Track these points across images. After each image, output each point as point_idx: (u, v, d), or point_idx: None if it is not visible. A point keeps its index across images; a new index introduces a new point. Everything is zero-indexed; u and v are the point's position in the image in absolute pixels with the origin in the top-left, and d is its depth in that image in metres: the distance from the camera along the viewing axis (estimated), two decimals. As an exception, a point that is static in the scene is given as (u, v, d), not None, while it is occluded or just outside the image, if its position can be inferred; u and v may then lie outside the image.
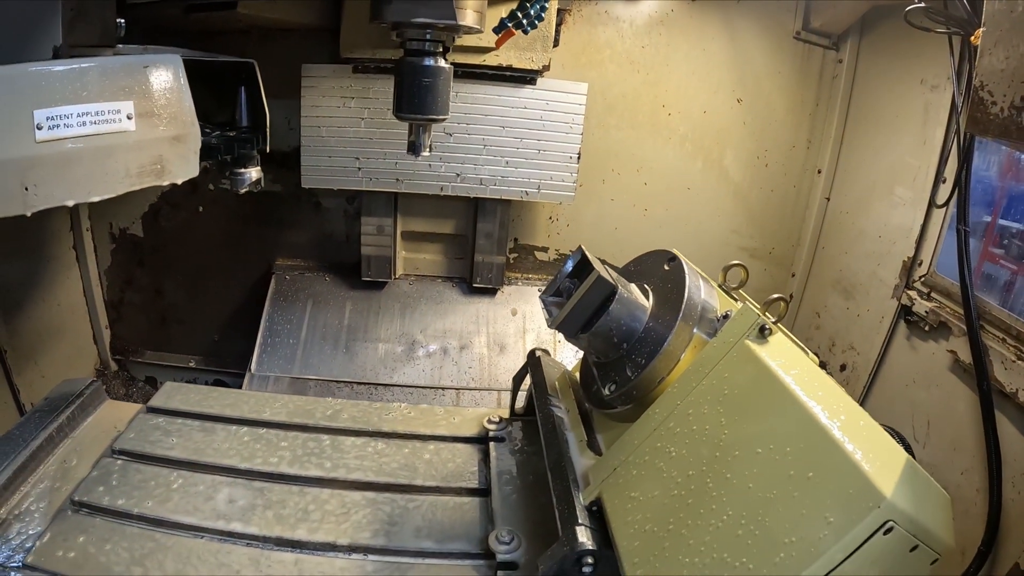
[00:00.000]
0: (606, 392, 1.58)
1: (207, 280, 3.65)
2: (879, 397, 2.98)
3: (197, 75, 2.26)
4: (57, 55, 1.85)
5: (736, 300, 1.78)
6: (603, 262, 1.68)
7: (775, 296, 1.50)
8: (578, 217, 3.57)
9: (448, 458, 1.96)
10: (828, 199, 3.47)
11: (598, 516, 1.44)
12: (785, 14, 3.29)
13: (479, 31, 2.02)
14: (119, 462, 1.82)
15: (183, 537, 1.62)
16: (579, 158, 3.10)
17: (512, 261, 3.62)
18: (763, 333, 1.35)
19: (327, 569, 1.58)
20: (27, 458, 1.75)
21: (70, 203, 1.52)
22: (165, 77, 1.71)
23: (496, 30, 2.07)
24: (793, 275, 3.66)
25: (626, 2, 3.24)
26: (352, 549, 1.63)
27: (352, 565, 1.60)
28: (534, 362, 2.08)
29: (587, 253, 1.63)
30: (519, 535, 1.60)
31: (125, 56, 1.66)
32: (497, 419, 2.08)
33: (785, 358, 1.31)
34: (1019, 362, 2.10)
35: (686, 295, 1.55)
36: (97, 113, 1.54)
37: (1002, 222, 2.92)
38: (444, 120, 2.13)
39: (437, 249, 3.54)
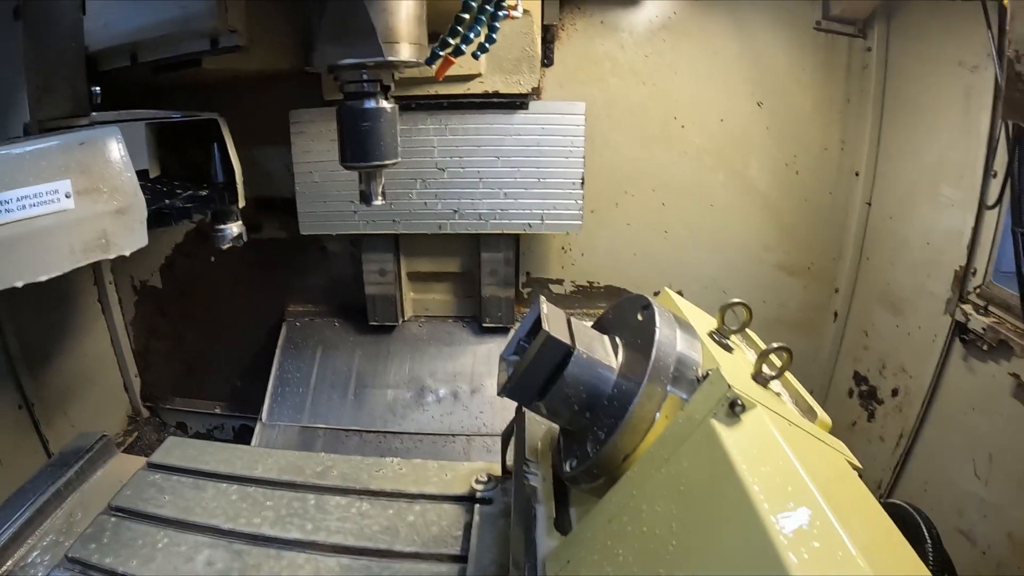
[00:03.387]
0: (566, 469, 1.40)
1: (225, 327, 3.67)
2: (935, 426, 2.68)
3: (180, 132, 2.27)
4: (27, 132, 1.87)
5: (731, 349, 1.56)
6: (568, 316, 1.50)
7: (775, 345, 1.29)
8: (593, 245, 3.36)
9: (433, 520, 1.85)
10: (869, 204, 3.15)
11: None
12: (802, 3, 3.01)
13: (418, 64, 1.88)
14: (113, 519, 1.83)
15: None
16: (583, 183, 2.91)
17: (526, 296, 3.46)
18: (734, 409, 1.10)
19: (292, 641, 1.48)
20: (35, 512, 1.82)
21: (19, 284, 1.51)
22: (103, 151, 1.67)
23: (429, 61, 1.91)
24: (837, 291, 3.34)
25: (623, 9, 3.02)
26: (321, 620, 1.52)
27: (317, 638, 1.49)
28: (519, 419, 1.91)
29: (543, 306, 1.45)
30: (489, 613, 1.43)
31: (60, 135, 1.65)
32: (486, 478, 1.94)
33: (759, 446, 1.06)
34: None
35: (654, 351, 1.34)
36: (36, 195, 1.53)
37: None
38: (395, 164, 1.98)
39: (445, 289, 3.41)
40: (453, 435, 2.97)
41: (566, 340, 1.38)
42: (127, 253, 1.74)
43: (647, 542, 1.11)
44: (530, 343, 1.44)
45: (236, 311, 3.62)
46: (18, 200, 1.48)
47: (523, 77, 2.71)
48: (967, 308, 2.46)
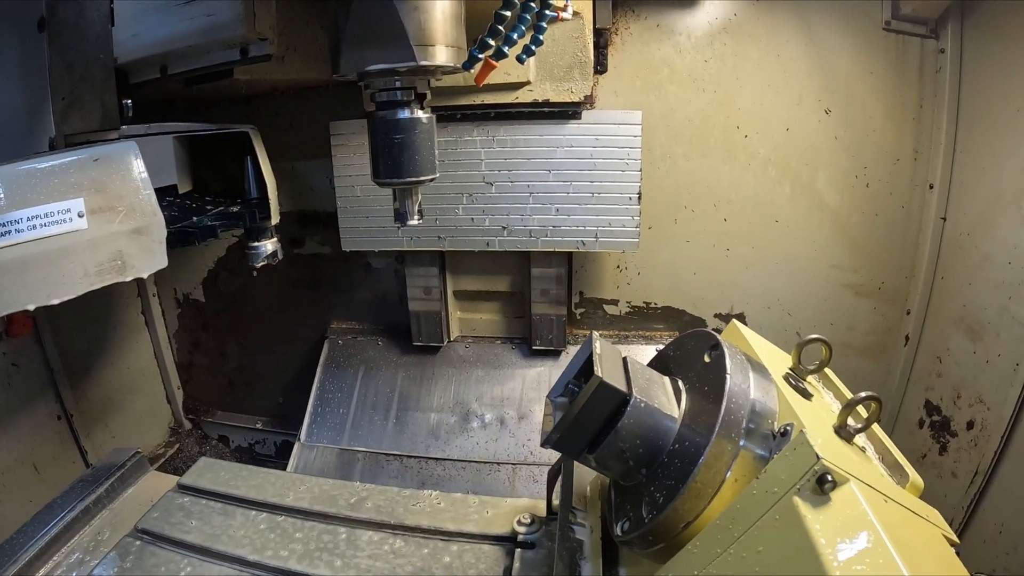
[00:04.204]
0: (617, 532, 1.25)
1: (268, 343, 3.62)
2: (1014, 464, 2.43)
3: (212, 144, 2.21)
4: (52, 146, 1.84)
5: (810, 396, 1.38)
6: (625, 356, 1.34)
7: (863, 395, 1.12)
8: (650, 263, 3.17)
9: (471, 562, 1.73)
10: (944, 219, 2.89)
11: None
12: (869, 3, 2.77)
13: (456, 69, 1.72)
14: (138, 543, 1.82)
15: None
16: (639, 198, 2.72)
17: (579, 317, 3.28)
18: (823, 486, 0.93)
19: None
20: (62, 529, 1.82)
21: (31, 307, 1.49)
22: (119, 168, 1.62)
23: (466, 66, 1.74)
24: (908, 312, 3.08)
25: (680, 10, 2.83)
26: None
27: None
28: (567, 461, 1.76)
29: (596, 343, 1.30)
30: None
31: (75, 151, 1.60)
32: (529, 519, 1.79)
33: (852, 532, 0.88)
34: None
35: (724, 402, 1.18)
36: (47, 215, 1.50)
37: None
38: (432, 180, 1.83)
39: (493, 308, 3.26)
40: (499, 463, 2.82)
41: (622, 387, 1.23)
42: (144, 275, 1.70)
43: (709, 632, 0.95)
44: (580, 387, 1.30)
45: (279, 326, 3.57)
46: (28, 220, 1.46)
47: (575, 84, 2.55)
48: (1053, 335, 2.22)
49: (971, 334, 2.70)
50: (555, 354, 3.11)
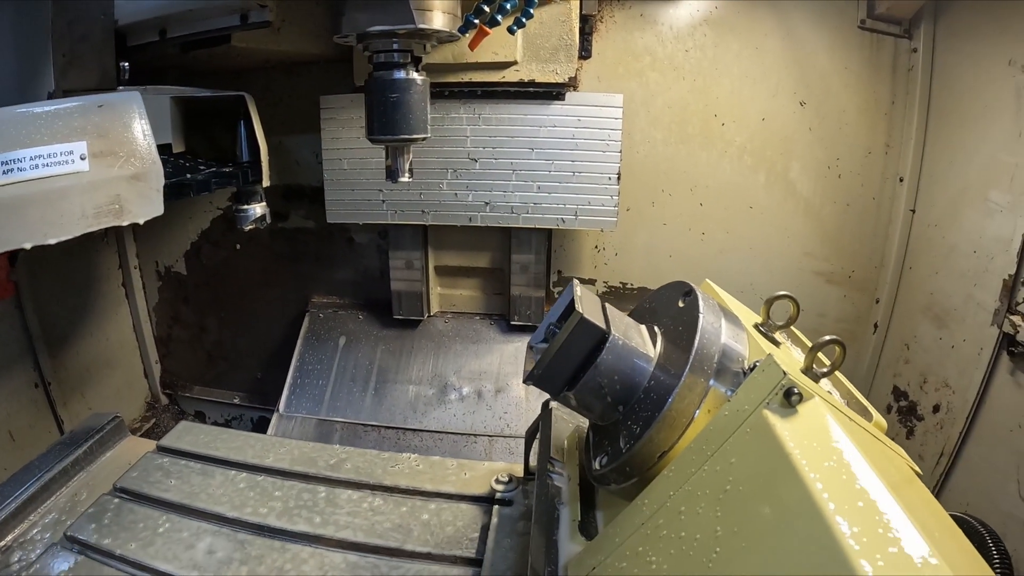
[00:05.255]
0: (596, 466, 1.30)
1: (248, 317, 3.63)
2: (978, 444, 2.54)
3: (205, 112, 2.23)
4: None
5: (778, 344, 1.45)
6: (603, 300, 1.40)
7: (827, 339, 1.17)
8: (627, 245, 3.25)
9: (448, 520, 1.77)
10: (913, 211, 3.01)
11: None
12: (846, 1, 2.89)
13: (452, 36, 1.79)
14: (116, 500, 1.82)
15: None
16: (619, 178, 2.79)
17: (556, 295, 3.32)
18: (790, 399, 0.98)
19: (288, 638, 1.42)
20: (39, 489, 1.82)
21: (27, 246, 1.49)
22: (122, 115, 1.65)
23: (462, 30, 1.81)
24: (877, 301, 3.19)
25: (663, 2, 2.92)
26: (321, 618, 1.45)
27: (315, 637, 1.42)
28: (545, 416, 1.82)
29: (576, 288, 1.35)
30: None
31: (84, 96, 1.61)
32: (507, 478, 1.85)
33: (819, 439, 0.93)
34: None
35: (697, 338, 1.24)
36: (50, 155, 1.52)
37: None
38: (423, 139, 1.90)
39: (473, 284, 3.31)
40: (475, 435, 2.86)
41: (601, 324, 1.28)
42: (141, 221, 1.71)
43: (686, 547, 1.00)
44: (561, 327, 1.36)
45: (260, 301, 3.59)
46: (31, 159, 1.47)
47: (560, 66, 2.62)
48: (1016, 320, 2.35)
49: (937, 321, 2.81)
50: (532, 329, 3.13)
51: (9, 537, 1.70)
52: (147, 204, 1.71)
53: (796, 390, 0.98)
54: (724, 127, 3.04)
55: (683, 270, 3.21)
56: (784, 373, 0.99)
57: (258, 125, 2.28)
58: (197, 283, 3.63)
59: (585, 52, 2.87)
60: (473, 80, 2.66)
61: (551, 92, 2.71)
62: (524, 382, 1.33)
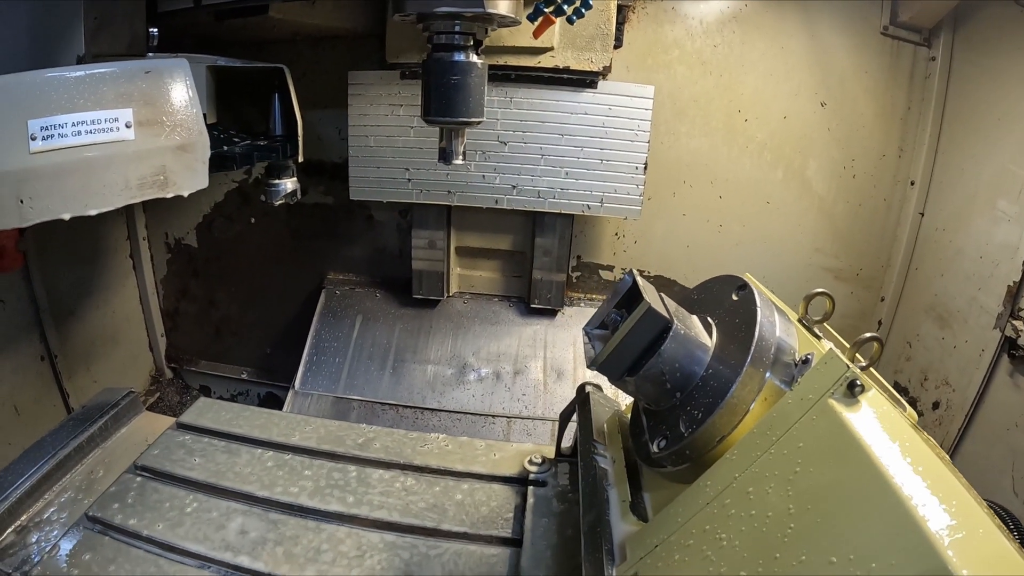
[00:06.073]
0: (654, 448, 1.34)
1: (260, 292, 3.62)
2: (975, 441, 2.64)
3: (234, 83, 2.19)
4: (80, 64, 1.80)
5: (819, 337, 1.50)
6: (660, 285, 1.44)
7: (868, 336, 1.22)
8: (647, 233, 3.30)
9: (482, 500, 1.77)
10: (922, 214, 3.10)
11: (634, 600, 1.18)
12: (870, 7, 2.95)
13: (515, 21, 1.80)
14: (139, 479, 1.76)
15: (188, 566, 1.53)
16: (646, 168, 2.84)
17: (575, 280, 3.40)
18: (853, 390, 1.04)
19: (330, 619, 1.41)
20: (54, 467, 1.74)
21: (66, 216, 1.44)
22: (169, 83, 1.60)
23: (531, 17, 1.83)
24: (883, 299, 3.29)
25: (694, -2, 2.97)
26: (361, 599, 1.45)
27: (358, 617, 1.42)
28: (582, 399, 1.85)
29: (638, 278, 1.39)
30: (546, 601, 1.37)
31: (127, 61, 1.56)
32: (540, 459, 1.86)
33: (883, 426, 1.00)
34: None
35: (756, 332, 1.28)
36: (93, 122, 1.46)
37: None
38: (478, 123, 1.92)
39: (494, 266, 3.35)
40: (493, 416, 2.90)
41: (665, 314, 1.32)
42: (185, 193, 1.67)
43: (758, 524, 1.05)
44: (621, 316, 1.39)
45: (273, 277, 3.57)
46: (73, 126, 1.42)
47: (595, 55, 2.65)
48: (1019, 324, 2.43)
49: (940, 322, 2.89)
50: (551, 313, 3.21)
51: (24, 516, 1.63)
52: (192, 176, 1.67)
53: (859, 382, 1.04)
54: (747, 123, 3.10)
55: (699, 260, 3.27)
56: (848, 366, 1.05)
57: (295, 98, 2.26)
58: (208, 256, 3.61)
59: (617, 42, 2.89)
60: (508, 63, 2.68)
61: (584, 80, 2.74)
62: (588, 367, 1.36)
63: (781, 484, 1.05)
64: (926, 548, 0.82)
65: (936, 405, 2.86)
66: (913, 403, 3.01)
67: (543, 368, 3.03)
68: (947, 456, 1.27)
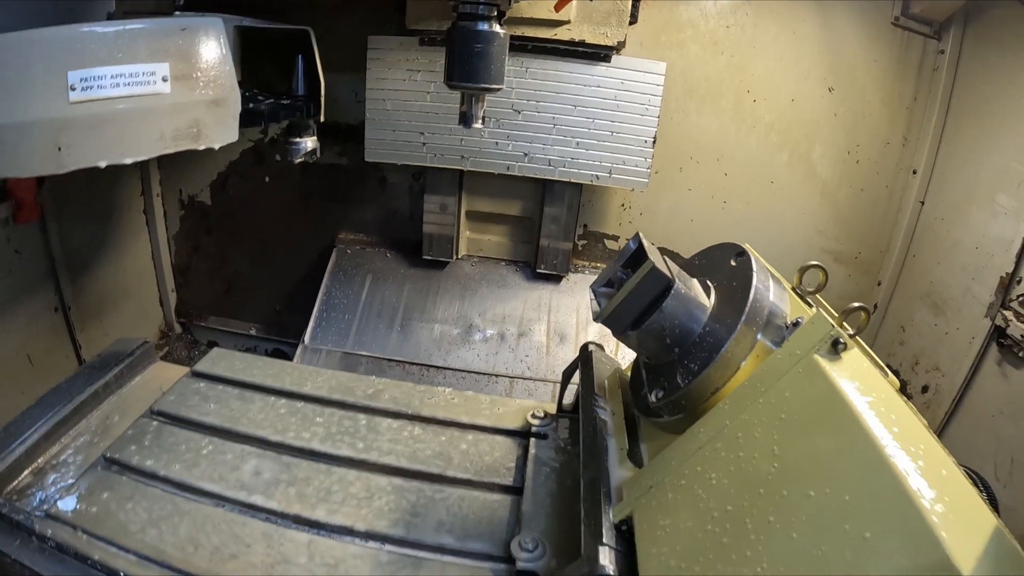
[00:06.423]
0: (652, 399, 1.43)
1: (271, 250, 3.69)
2: (961, 426, 2.73)
3: (256, 44, 2.26)
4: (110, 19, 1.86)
5: (811, 306, 1.59)
6: (664, 253, 1.52)
7: (855, 305, 1.30)
8: (652, 206, 3.39)
9: (486, 450, 1.84)
10: (922, 203, 3.17)
11: (628, 537, 1.28)
12: (884, -3, 3.00)
13: None
14: (155, 423, 1.81)
15: (203, 504, 1.59)
16: (654, 142, 2.91)
17: (580, 248, 3.48)
18: (836, 347, 1.14)
19: (339, 553, 1.50)
20: (70, 412, 1.78)
21: (102, 164, 1.51)
22: (204, 39, 1.67)
23: None
24: (879, 284, 3.37)
25: (711, -22, 3.01)
26: (369, 536, 1.54)
27: (365, 553, 1.51)
28: (585, 357, 1.94)
29: (644, 241, 1.47)
30: (545, 543, 1.46)
31: (163, 19, 1.63)
32: (542, 414, 1.94)
33: (860, 380, 1.10)
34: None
35: (751, 295, 1.37)
36: (131, 75, 1.53)
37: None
38: (499, 90, 1.99)
39: (502, 231, 3.43)
40: (497, 375, 2.99)
41: (668, 274, 1.41)
42: (216, 146, 1.74)
43: (745, 464, 1.14)
44: (627, 275, 1.48)
45: (285, 236, 3.64)
46: (112, 78, 1.48)
47: (611, 30, 2.71)
48: (1008, 314, 2.51)
49: (934, 308, 2.97)
50: (557, 279, 3.30)
51: (41, 459, 1.68)
52: (224, 130, 1.74)
53: (842, 340, 1.14)
54: (756, 104, 3.16)
55: (702, 235, 3.33)
56: (832, 326, 1.15)
57: (319, 60, 2.32)
58: (221, 214, 3.67)
59: (632, 18, 2.94)
60: (525, 35, 2.74)
61: (599, 54, 2.80)
62: (594, 320, 1.46)
63: (767, 429, 1.14)
64: (892, 480, 0.91)
65: (925, 389, 2.95)
66: (903, 387, 3.10)
67: (547, 331, 3.12)
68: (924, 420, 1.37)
